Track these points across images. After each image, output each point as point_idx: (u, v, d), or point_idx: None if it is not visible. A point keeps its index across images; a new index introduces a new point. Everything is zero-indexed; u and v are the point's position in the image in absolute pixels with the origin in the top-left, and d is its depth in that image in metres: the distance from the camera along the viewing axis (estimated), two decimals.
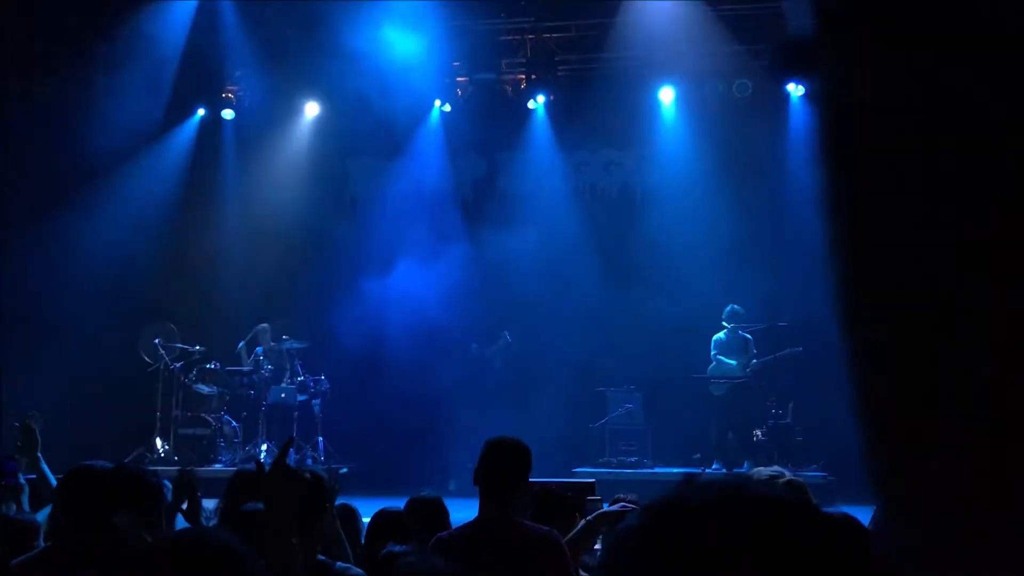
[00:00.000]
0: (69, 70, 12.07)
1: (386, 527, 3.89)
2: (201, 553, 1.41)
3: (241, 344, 11.78)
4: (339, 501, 3.83)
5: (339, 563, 2.96)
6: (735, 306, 10.80)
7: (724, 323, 10.87)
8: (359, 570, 2.93)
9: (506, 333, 11.92)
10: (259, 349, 11.71)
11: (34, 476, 4.16)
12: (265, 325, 11.73)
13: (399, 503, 4.95)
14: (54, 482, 3.91)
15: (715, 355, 10.91)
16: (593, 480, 6.11)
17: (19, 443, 4.14)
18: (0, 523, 3.31)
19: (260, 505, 3.21)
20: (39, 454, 4.16)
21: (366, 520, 4.34)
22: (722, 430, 10.76)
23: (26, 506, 3.69)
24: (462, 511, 3.91)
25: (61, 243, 11.79)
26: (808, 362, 10.56)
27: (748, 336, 10.86)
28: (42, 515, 3.62)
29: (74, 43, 11.76)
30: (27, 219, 11.58)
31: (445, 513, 3.92)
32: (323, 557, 2.95)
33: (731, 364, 10.81)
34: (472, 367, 11.91)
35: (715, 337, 10.94)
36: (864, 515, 3.46)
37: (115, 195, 12.12)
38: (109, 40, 11.69)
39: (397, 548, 3.06)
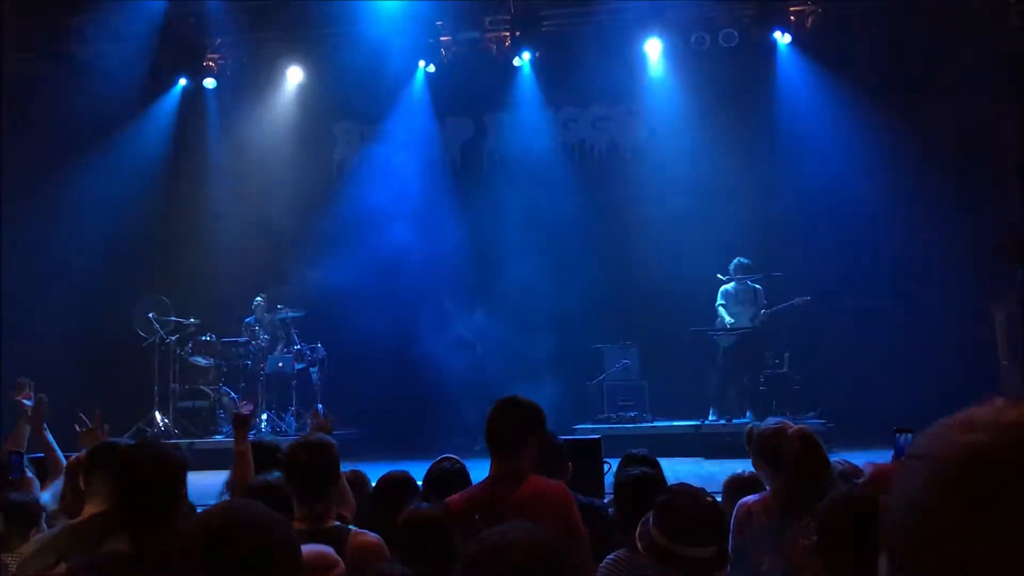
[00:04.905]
0: (47, 44, 11.88)
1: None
2: (239, 528, 1.39)
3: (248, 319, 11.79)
4: (347, 468, 3.82)
5: (353, 527, 2.98)
6: (742, 259, 10.73)
7: (732, 275, 10.79)
8: (374, 534, 2.95)
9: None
10: (249, 319, 11.68)
11: (41, 455, 4.14)
12: (259, 299, 11.69)
13: (403, 467, 4.95)
14: (63, 457, 3.89)
15: (719, 306, 10.88)
16: (598, 436, 6.07)
17: (32, 413, 4.12)
18: (2, 506, 3.28)
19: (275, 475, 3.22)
20: (45, 428, 4.15)
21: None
22: (724, 380, 10.76)
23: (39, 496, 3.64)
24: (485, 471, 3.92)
25: (48, 220, 11.70)
26: (804, 311, 10.58)
27: (758, 287, 10.81)
28: (46, 495, 3.59)
29: (51, 16, 11.55)
30: (14, 195, 11.46)
31: (467, 481, 3.88)
32: (338, 522, 2.98)
33: (728, 320, 10.79)
34: (466, 328, 11.91)
35: (723, 288, 10.87)
36: (859, 460, 3.48)
37: (100, 170, 11.99)
38: (88, 12, 11.48)
39: (424, 506, 3.06)
